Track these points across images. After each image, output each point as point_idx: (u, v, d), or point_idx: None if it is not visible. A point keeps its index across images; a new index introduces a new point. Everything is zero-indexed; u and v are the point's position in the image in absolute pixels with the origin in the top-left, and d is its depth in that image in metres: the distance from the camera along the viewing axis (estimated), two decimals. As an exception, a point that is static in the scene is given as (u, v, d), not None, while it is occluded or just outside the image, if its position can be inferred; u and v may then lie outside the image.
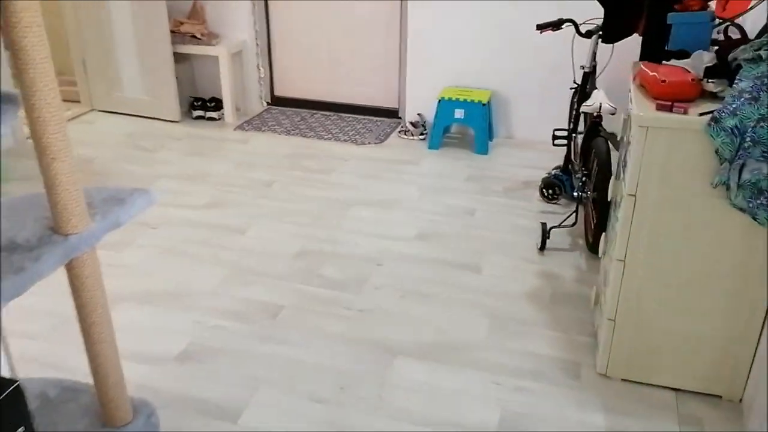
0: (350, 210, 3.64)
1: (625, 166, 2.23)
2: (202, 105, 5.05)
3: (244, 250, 3.21)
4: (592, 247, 3.12)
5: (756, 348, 2.15)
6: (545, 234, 3.19)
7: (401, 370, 2.40)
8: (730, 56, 2.06)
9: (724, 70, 2.07)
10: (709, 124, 1.91)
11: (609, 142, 3.06)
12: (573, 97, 3.75)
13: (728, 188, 1.94)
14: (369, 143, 4.61)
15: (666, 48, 2.30)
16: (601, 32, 3.19)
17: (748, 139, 1.86)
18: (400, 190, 3.88)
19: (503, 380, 2.35)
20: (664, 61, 2.22)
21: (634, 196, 2.07)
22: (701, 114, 1.94)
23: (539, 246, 3.21)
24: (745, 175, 1.88)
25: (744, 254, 2.04)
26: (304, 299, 2.82)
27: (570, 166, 3.69)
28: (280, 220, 3.52)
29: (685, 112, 1.96)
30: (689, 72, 2.07)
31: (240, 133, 4.79)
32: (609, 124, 3.31)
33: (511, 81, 4.52)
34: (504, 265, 3.08)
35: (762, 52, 1.94)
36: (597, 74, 3.53)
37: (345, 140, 4.67)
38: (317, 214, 3.58)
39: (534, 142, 4.52)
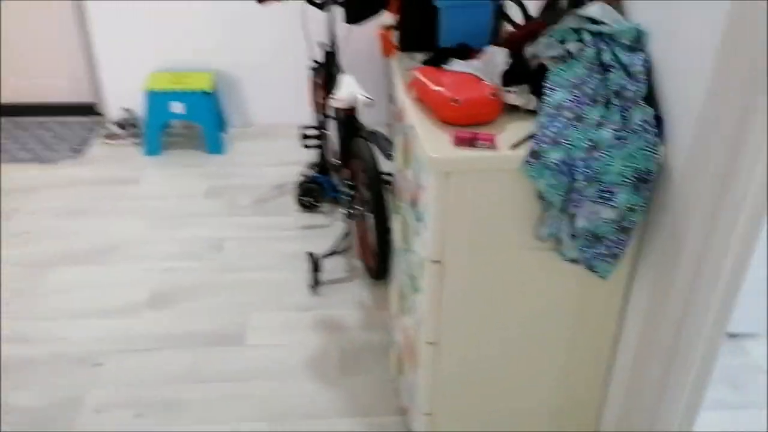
0: (48, 275, 2.59)
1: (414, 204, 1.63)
2: None
3: None
4: (374, 273, 2.55)
5: (599, 415, 1.78)
6: (316, 267, 2.54)
7: None
8: (528, 52, 1.53)
9: (521, 71, 1.54)
10: (528, 162, 1.36)
11: (374, 144, 2.46)
12: (316, 77, 3.06)
13: (560, 241, 1.45)
14: (62, 159, 3.46)
15: (438, 42, 1.71)
16: (339, 4, 2.51)
17: (580, 176, 1.36)
18: (118, 228, 2.90)
19: None
20: (444, 64, 1.62)
21: (440, 262, 1.49)
22: (515, 146, 1.39)
23: (311, 284, 2.55)
24: (580, 223, 1.39)
25: (582, 311, 1.60)
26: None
27: (328, 165, 3.06)
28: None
29: (493, 145, 1.39)
30: (483, 81, 1.50)
31: None
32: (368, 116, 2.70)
33: (238, 59, 3.68)
34: (272, 325, 2.37)
35: (570, 46, 1.43)
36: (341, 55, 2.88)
37: (26, 159, 3.45)
38: (-6, 296, 2.48)
39: (277, 128, 3.76)
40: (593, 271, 1.46)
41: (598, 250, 1.43)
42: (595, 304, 1.59)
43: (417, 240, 1.62)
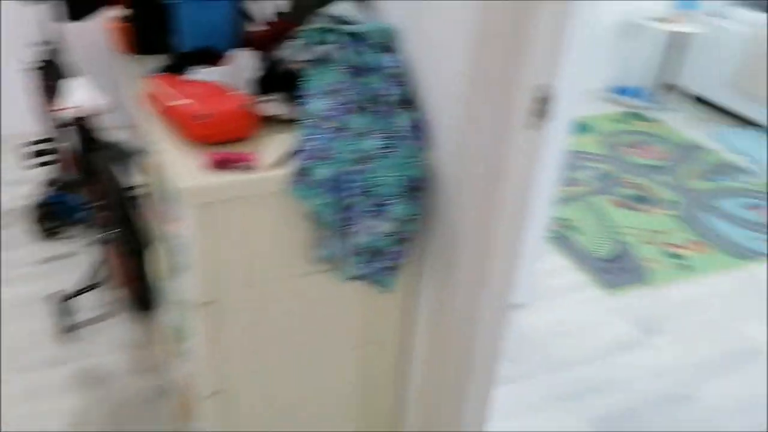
0: None
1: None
2: None
3: None
4: (139, 305, 2.24)
5: (401, 425, 1.74)
6: (65, 308, 2.15)
7: None
8: (279, 55, 1.38)
9: (275, 77, 1.38)
10: (294, 182, 1.22)
11: (113, 159, 2.12)
12: (40, 81, 2.57)
13: (339, 260, 1.34)
14: None
15: (178, 45, 1.48)
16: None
17: (352, 191, 1.25)
18: None
19: None
20: (184, 71, 1.40)
21: (212, 303, 1.29)
22: (275, 164, 1.24)
23: (62, 330, 2.16)
24: (359, 239, 1.29)
25: (370, 326, 1.52)
26: None
27: (67, 182, 2.62)
28: None
29: (252, 165, 1.22)
30: (232, 90, 1.31)
31: None
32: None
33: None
34: (12, 394, 1.95)
35: (323, 48, 1.31)
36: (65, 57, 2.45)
37: None
38: None
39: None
40: (376, 285, 1.38)
41: (380, 264, 1.35)
42: (382, 316, 1.53)
43: (182, 278, 1.40)
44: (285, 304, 1.37)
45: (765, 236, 3.00)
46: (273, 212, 1.25)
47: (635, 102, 4.30)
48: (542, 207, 2.20)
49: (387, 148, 1.26)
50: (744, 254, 2.84)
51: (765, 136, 3.98)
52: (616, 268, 2.68)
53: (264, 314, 1.36)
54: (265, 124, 1.33)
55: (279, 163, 1.24)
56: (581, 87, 2.12)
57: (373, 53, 1.30)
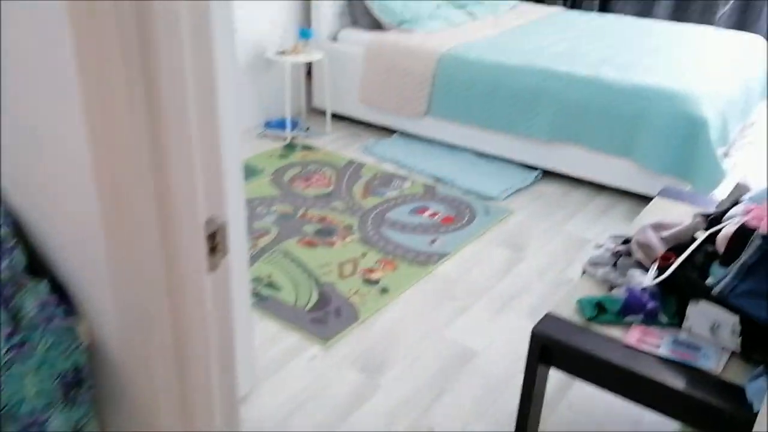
0: None
1: None
2: None
3: None
4: None
5: None
6: None
7: None
8: None
9: None
10: None
11: None
12: None
13: None
14: None
15: None
16: None
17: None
18: None
19: None
20: None
21: None
22: None
23: None
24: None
25: None
26: None
27: None
28: None
29: None
30: None
31: None
32: None
33: None
34: None
35: None
36: None
37: None
38: None
39: None
40: None
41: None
42: None
43: None
44: None
45: (438, 236, 3.27)
46: None
47: (287, 133, 4.36)
48: (241, 283, 2.00)
49: (17, 347, 0.92)
50: (425, 261, 3.05)
51: (402, 141, 4.39)
52: (326, 315, 2.63)
53: None
54: None
55: None
56: (236, 130, 1.98)
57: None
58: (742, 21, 5.20)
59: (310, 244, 3.13)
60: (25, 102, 1.01)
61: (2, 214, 0.98)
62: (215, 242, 1.01)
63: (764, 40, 4.68)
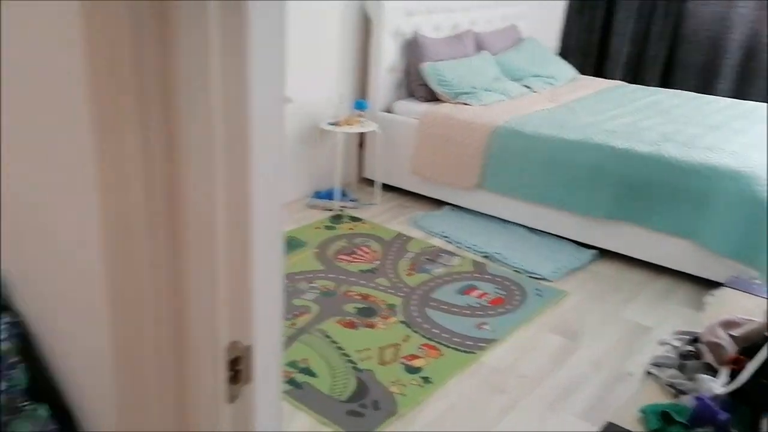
0: None
1: None
2: None
3: None
4: None
5: None
6: None
7: None
8: None
9: None
10: None
11: None
12: None
13: None
14: None
15: None
16: None
17: None
18: None
19: None
20: None
21: None
22: None
23: None
24: None
25: None
26: None
27: None
28: None
29: None
30: None
31: None
32: None
33: None
34: None
35: None
36: None
37: None
38: None
39: None
40: None
41: None
42: None
43: None
44: None
45: (487, 319, 3.10)
46: None
47: (335, 203, 4.31)
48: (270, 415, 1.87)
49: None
50: (472, 346, 2.88)
51: (452, 214, 4.27)
52: (363, 407, 2.47)
53: None
54: None
55: None
56: (279, 203, 1.89)
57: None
58: (810, 96, 4.97)
59: (351, 325, 3.00)
60: (44, 217, 0.95)
61: (9, 324, 0.91)
62: (237, 368, 0.91)
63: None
